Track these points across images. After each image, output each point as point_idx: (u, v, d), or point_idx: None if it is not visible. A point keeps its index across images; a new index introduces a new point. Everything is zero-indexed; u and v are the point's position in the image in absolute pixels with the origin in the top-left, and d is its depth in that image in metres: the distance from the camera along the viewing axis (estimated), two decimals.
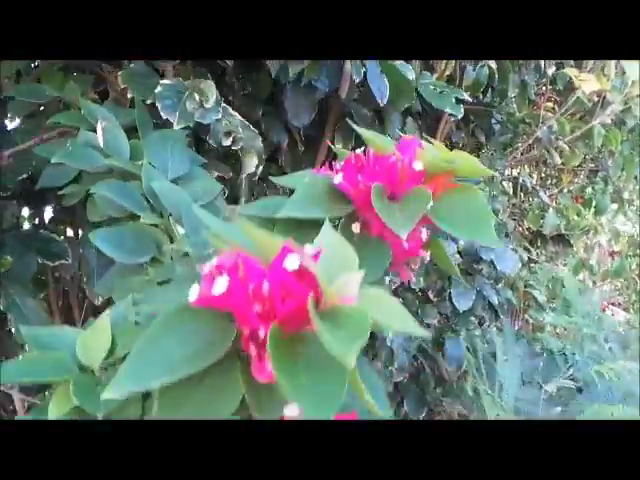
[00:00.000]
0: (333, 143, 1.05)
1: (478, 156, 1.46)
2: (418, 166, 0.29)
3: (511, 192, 1.85)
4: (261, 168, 0.75)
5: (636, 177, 2.24)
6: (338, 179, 0.28)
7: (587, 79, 1.30)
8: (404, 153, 0.30)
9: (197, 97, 0.61)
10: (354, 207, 0.29)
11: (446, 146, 0.42)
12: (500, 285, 1.30)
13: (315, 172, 0.31)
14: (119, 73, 0.66)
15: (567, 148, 1.39)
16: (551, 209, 1.50)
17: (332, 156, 1.11)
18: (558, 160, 1.40)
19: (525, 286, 1.46)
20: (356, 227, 0.29)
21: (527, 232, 1.80)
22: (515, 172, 1.96)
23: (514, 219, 1.73)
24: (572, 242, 2.15)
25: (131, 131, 0.57)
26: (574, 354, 1.25)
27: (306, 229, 0.28)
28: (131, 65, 0.66)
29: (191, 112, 0.60)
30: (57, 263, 0.72)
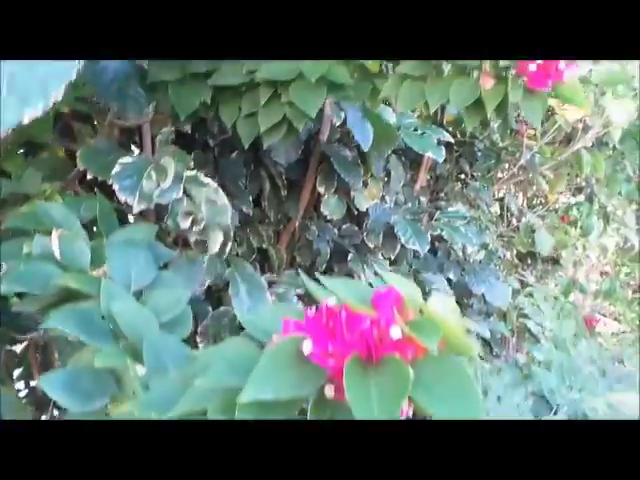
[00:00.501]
0: (315, 186, 1.03)
1: (465, 185, 1.45)
2: (396, 333, 0.26)
3: (498, 213, 1.85)
4: (230, 246, 0.71)
5: (620, 193, 2.27)
6: (307, 348, 0.25)
7: (569, 108, 1.30)
8: (381, 312, 0.26)
9: (154, 176, 0.58)
10: (327, 375, 0.26)
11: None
12: (492, 318, 1.28)
13: (277, 336, 0.28)
14: (77, 152, 0.63)
15: (551, 175, 1.38)
16: (542, 229, 1.49)
17: (315, 199, 1.09)
18: (545, 186, 1.39)
19: (518, 316, 1.44)
20: (329, 390, 0.26)
21: (516, 256, 1.79)
22: (501, 193, 1.96)
23: (502, 242, 1.72)
24: (561, 261, 2.15)
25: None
26: (570, 386, 1.23)
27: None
28: (92, 141, 0.63)
29: (148, 192, 0.57)
30: None
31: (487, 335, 1.25)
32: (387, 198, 1.15)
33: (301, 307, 0.83)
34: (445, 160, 1.36)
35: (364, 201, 1.00)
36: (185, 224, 0.62)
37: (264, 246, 1.08)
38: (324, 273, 1.11)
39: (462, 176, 1.47)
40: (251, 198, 0.99)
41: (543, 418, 1.17)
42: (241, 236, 1.08)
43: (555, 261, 2.17)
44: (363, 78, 0.65)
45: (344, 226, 1.13)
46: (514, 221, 1.99)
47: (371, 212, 1.12)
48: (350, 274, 1.08)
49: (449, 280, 1.27)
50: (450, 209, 1.15)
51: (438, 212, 1.14)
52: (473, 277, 1.21)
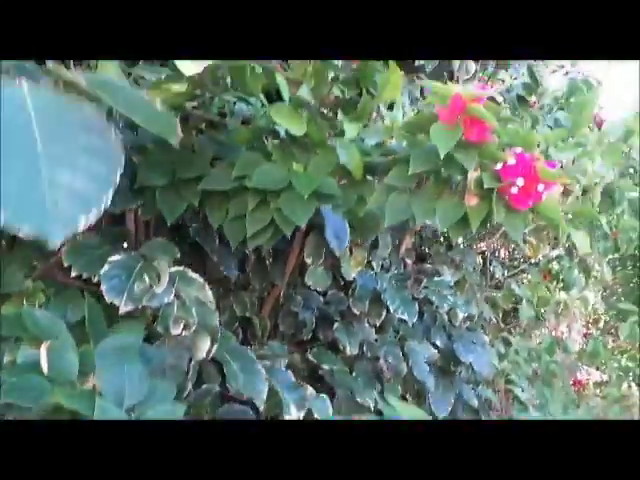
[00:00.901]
0: (302, 255, 1.01)
1: (450, 247, 1.45)
2: None
3: (481, 265, 1.85)
4: (216, 347, 0.68)
5: (598, 249, 2.32)
6: None
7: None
8: None
9: (147, 279, 0.56)
10: None
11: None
12: (480, 386, 1.25)
13: None
14: (63, 248, 0.60)
15: (533, 241, 1.40)
16: (524, 301, 1.49)
17: (300, 267, 1.07)
18: (528, 252, 1.40)
19: (506, 382, 1.42)
20: None
21: (501, 316, 1.79)
22: (483, 247, 1.97)
23: (487, 301, 1.71)
24: (544, 317, 2.15)
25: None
26: None
27: None
28: (76, 237, 0.60)
29: (139, 294, 0.54)
30: None
31: (475, 403, 1.22)
32: (374, 264, 1.13)
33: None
34: (428, 237, 1.37)
35: (350, 270, 0.99)
36: (176, 330, 0.60)
37: (247, 314, 1.04)
38: (309, 342, 1.08)
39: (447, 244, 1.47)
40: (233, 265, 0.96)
41: None
42: (224, 304, 1.05)
43: (538, 317, 2.17)
44: (349, 186, 0.65)
45: (330, 292, 1.11)
46: (497, 273, 2.00)
47: (357, 278, 1.11)
48: (334, 343, 1.05)
49: (435, 345, 1.25)
50: (436, 278, 1.14)
51: (425, 280, 1.13)
52: (460, 345, 1.19)
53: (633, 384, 3.55)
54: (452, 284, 1.14)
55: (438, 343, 1.23)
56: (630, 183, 1.92)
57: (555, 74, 2.01)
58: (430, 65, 1.06)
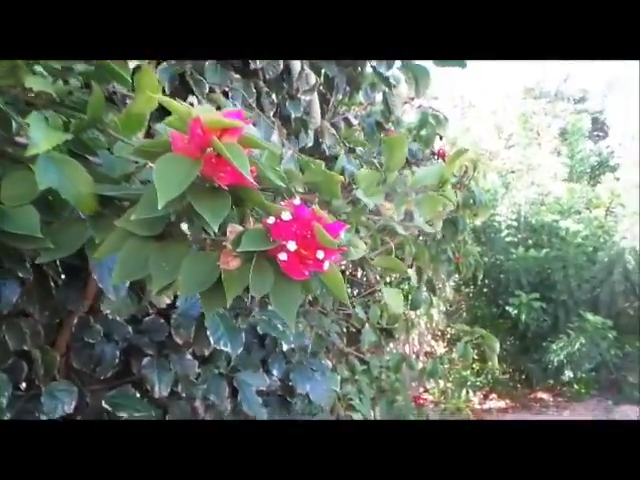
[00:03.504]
0: None
1: None
2: None
3: None
4: None
5: (443, 275, 2.51)
6: None
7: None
8: None
9: None
10: None
11: None
12: (317, 416, 1.17)
13: None
14: None
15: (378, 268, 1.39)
16: (367, 325, 1.48)
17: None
18: (371, 277, 1.39)
19: (347, 407, 1.38)
20: None
21: (351, 331, 1.78)
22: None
23: (337, 322, 1.68)
24: (394, 333, 2.23)
25: None
26: None
27: None
28: None
29: None
30: None
31: None
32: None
33: None
34: None
35: (163, 295, 0.83)
36: None
37: (26, 347, 0.82)
38: (111, 379, 0.88)
39: None
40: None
41: None
42: None
43: (389, 333, 2.24)
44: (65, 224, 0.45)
45: (146, 319, 0.93)
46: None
47: (180, 303, 0.95)
48: (141, 383, 0.88)
49: (273, 374, 1.14)
50: (270, 307, 1.04)
51: (256, 309, 1.02)
52: (297, 374, 1.11)
53: (471, 391, 3.94)
54: None
55: (275, 373, 1.13)
56: (469, 213, 2.09)
57: (407, 105, 2.12)
58: (271, 71, 0.96)
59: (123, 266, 0.41)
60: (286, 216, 0.40)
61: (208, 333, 0.89)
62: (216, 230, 0.38)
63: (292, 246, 0.40)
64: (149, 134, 0.53)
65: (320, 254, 0.41)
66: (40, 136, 0.39)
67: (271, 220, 0.41)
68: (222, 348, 0.90)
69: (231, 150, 0.37)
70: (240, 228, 0.41)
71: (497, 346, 1.70)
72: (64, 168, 0.40)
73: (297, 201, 0.42)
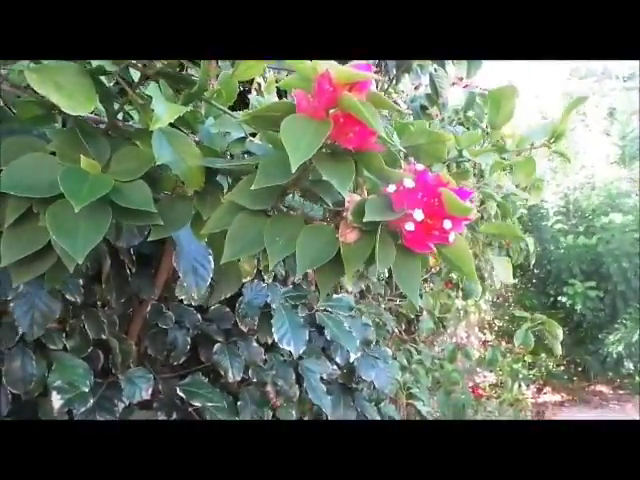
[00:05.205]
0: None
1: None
2: None
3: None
4: None
5: (488, 260, 2.43)
6: None
7: None
8: None
9: None
10: None
11: None
12: (382, 404, 1.16)
13: None
14: None
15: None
16: (425, 312, 1.45)
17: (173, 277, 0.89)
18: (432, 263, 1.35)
19: (407, 396, 1.35)
20: None
21: (403, 322, 1.75)
22: None
23: (390, 312, 1.66)
24: (445, 324, 2.18)
25: None
26: None
27: None
28: None
29: None
30: None
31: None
32: (264, 274, 0.99)
33: None
34: None
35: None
36: None
37: (104, 337, 0.84)
38: (181, 367, 0.90)
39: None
40: (81, 281, 0.76)
41: None
42: (72, 324, 0.83)
43: (440, 324, 2.19)
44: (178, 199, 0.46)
45: (212, 307, 0.94)
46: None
47: (245, 291, 0.96)
48: (215, 369, 0.88)
49: (336, 361, 1.13)
50: (335, 296, 1.03)
51: (320, 301, 1.00)
52: (362, 361, 1.09)
53: (523, 384, 3.81)
54: (353, 304, 1.03)
55: (339, 360, 1.11)
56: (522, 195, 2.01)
57: (454, 87, 2.05)
58: None
59: (233, 242, 0.39)
60: (409, 183, 0.37)
61: (273, 330, 0.89)
62: (345, 196, 0.36)
63: (419, 215, 0.37)
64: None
65: (447, 224, 0.37)
66: (163, 109, 0.37)
67: (392, 188, 0.38)
68: (285, 347, 0.89)
69: (365, 107, 0.34)
70: (358, 197, 0.39)
71: (560, 332, 1.63)
72: (176, 143, 0.40)
73: (420, 166, 0.39)
